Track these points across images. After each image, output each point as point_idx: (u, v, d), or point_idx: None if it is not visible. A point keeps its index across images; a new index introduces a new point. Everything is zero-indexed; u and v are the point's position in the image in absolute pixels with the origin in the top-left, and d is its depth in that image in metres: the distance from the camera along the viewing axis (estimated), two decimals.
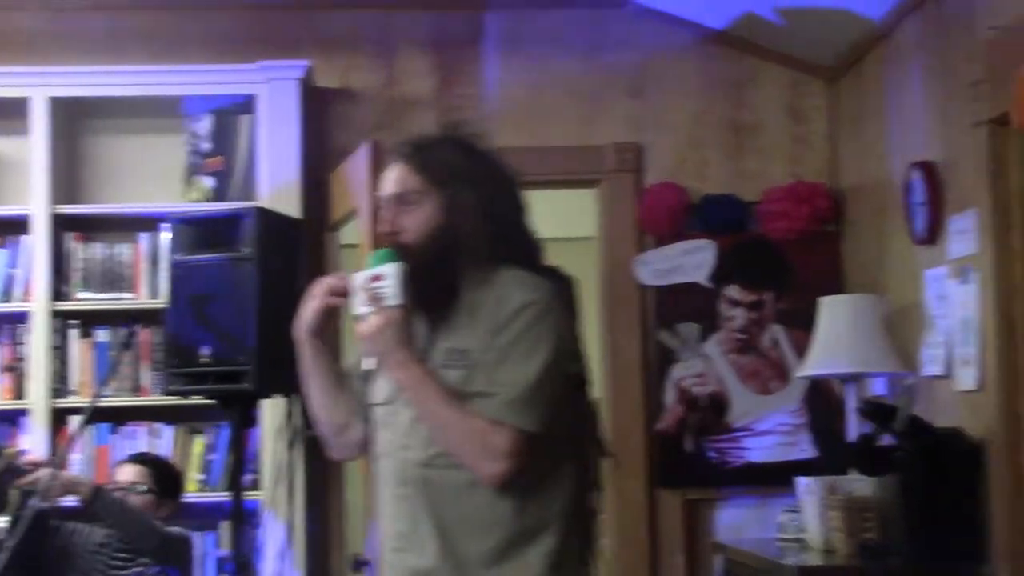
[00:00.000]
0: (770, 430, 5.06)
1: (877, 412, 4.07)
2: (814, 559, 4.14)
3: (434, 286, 2.60)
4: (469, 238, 2.59)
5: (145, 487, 4.38)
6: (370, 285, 2.57)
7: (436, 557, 2.57)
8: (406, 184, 2.62)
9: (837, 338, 4.42)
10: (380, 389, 2.69)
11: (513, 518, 2.54)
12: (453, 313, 2.60)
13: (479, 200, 2.61)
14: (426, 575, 2.58)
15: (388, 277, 2.56)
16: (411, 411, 2.61)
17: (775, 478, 4.89)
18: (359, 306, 2.59)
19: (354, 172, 4.63)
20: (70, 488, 4.17)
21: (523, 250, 2.66)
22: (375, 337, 2.57)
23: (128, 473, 4.44)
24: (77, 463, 4.81)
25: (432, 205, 2.61)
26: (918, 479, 3.86)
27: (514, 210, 2.68)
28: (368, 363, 2.71)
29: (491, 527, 2.55)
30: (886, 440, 4.02)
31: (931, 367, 4.21)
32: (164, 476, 4.48)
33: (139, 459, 4.52)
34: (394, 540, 2.64)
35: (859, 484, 4.12)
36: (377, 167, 4.41)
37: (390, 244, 2.61)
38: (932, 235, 4.23)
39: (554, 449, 2.58)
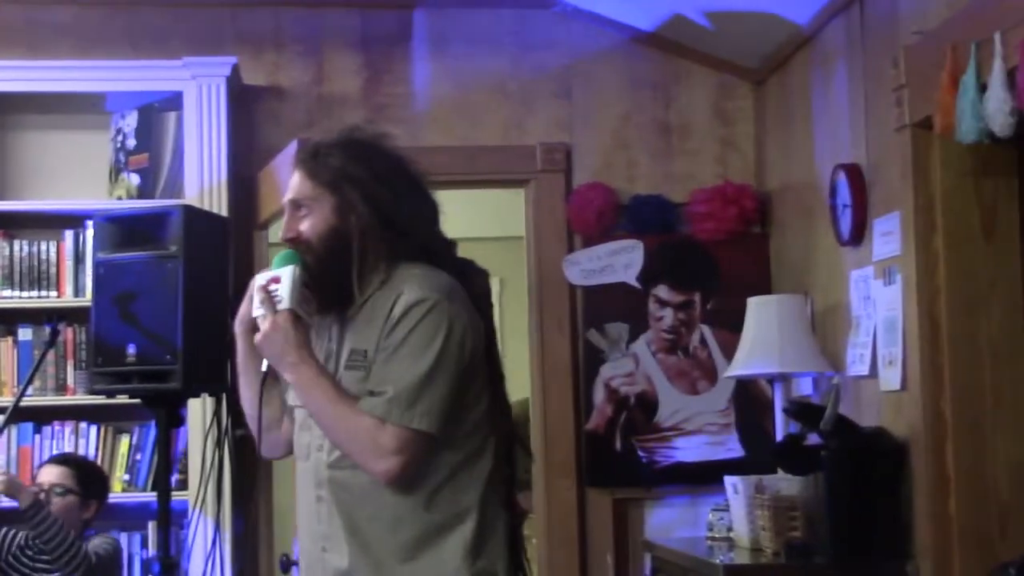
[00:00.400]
0: (698, 430, 5.09)
1: (803, 412, 4.11)
2: (741, 558, 4.17)
3: (329, 287, 2.65)
4: (361, 239, 2.64)
5: (63, 489, 4.32)
6: (267, 288, 2.65)
7: (352, 556, 2.61)
8: (300, 190, 2.70)
9: (764, 338, 4.45)
10: None
11: (422, 513, 2.58)
12: (357, 314, 2.66)
13: (370, 202, 2.65)
14: (346, 575, 2.62)
15: (283, 280, 2.63)
16: None
17: (704, 477, 4.93)
18: (255, 308, 2.66)
19: (283, 170, 4.60)
20: (13, 490, 4.12)
21: (426, 248, 2.69)
22: (265, 340, 2.64)
23: (51, 474, 4.38)
24: None
25: (324, 209, 2.66)
26: (843, 478, 3.90)
27: (414, 209, 2.70)
28: (264, 365, 2.72)
29: (400, 523, 2.59)
30: (812, 439, 4.05)
31: (856, 367, 4.26)
32: (88, 477, 4.42)
33: (62, 460, 4.47)
34: (320, 541, 2.68)
35: (786, 483, 4.16)
36: None
37: (290, 248, 2.68)
38: (857, 236, 4.28)
39: (461, 444, 2.61)
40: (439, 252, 2.71)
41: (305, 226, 2.67)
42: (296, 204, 2.70)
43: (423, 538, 2.59)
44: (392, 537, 2.59)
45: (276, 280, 2.65)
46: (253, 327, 2.72)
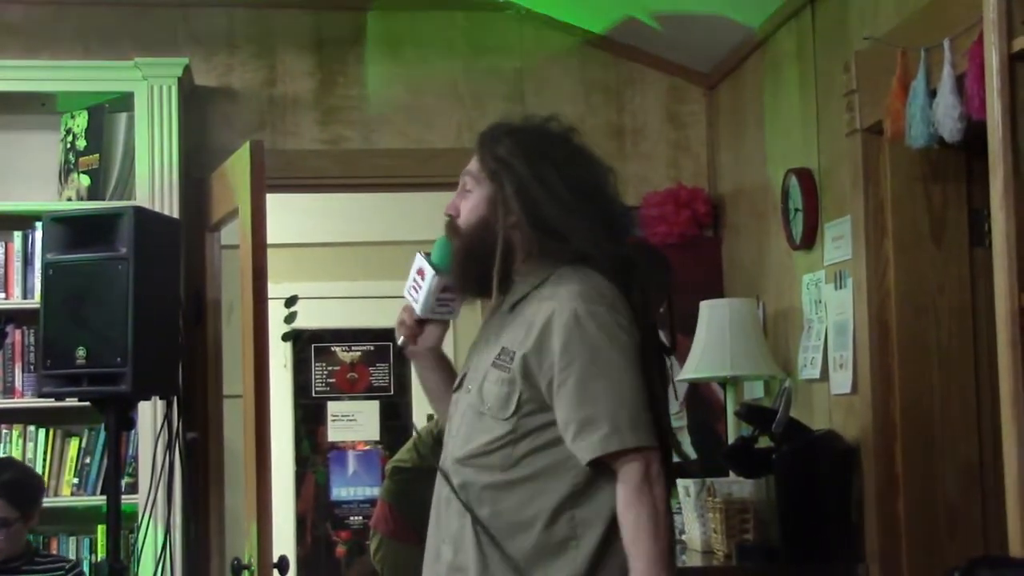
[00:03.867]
0: None
1: (755, 415, 4.13)
2: (693, 560, 4.18)
3: (469, 277, 2.62)
4: (505, 236, 2.58)
5: (5, 521, 4.15)
6: (414, 277, 2.69)
7: (463, 553, 2.57)
8: (469, 166, 2.68)
9: (716, 342, 4.46)
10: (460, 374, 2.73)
11: (541, 528, 2.49)
12: (515, 312, 2.59)
13: (522, 199, 2.57)
14: (459, 570, 2.57)
15: (424, 281, 2.66)
16: (469, 399, 2.61)
17: None
18: (405, 290, 2.72)
19: (235, 172, 4.58)
20: None
21: (583, 253, 2.56)
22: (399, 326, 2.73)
23: None
24: None
25: (481, 195, 2.63)
26: (794, 481, 3.92)
27: (572, 213, 2.57)
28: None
29: (516, 532, 2.51)
30: (764, 442, 4.07)
31: (808, 371, 4.28)
32: (19, 494, 4.18)
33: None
34: (441, 531, 2.63)
35: (737, 486, 4.18)
36: (258, 167, 4.37)
37: (446, 226, 2.68)
38: (809, 241, 4.30)
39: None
40: (597, 258, 2.56)
41: (463, 206, 2.65)
42: (463, 180, 2.67)
43: (541, 552, 2.49)
44: (510, 543, 2.50)
45: (421, 273, 2.67)
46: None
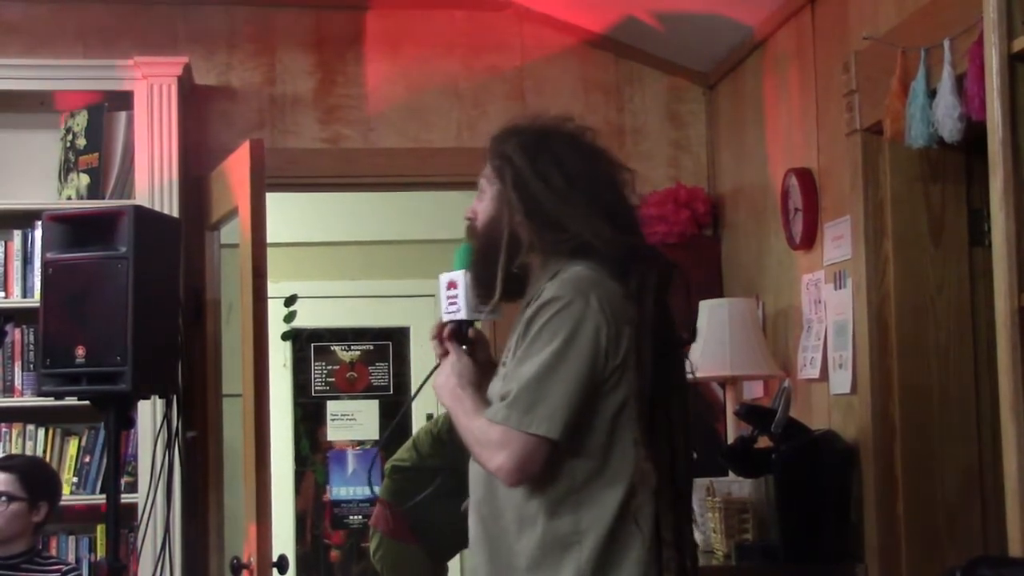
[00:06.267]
0: None
1: (754, 415, 4.12)
2: None
3: (486, 276, 2.61)
4: (510, 232, 2.59)
5: (6, 497, 4.19)
6: (447, 292, 2.64)
7: (481, 554, 2.60)
8: (483, 171, 2.69)
9: (716, 341, 4.46)
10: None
11: (545, 520, 2.49)
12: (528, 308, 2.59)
13: (522, 194, 2.59)
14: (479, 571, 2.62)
15: (459, 287, 2.62)
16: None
17: None
18: (442, 311, 2.67)
19: (234, 171, 4.58)
20: None
21: (585, 245, 2.56)
22: (440, 351, 2.66)
23: None
24: None
25: (491, 194, 2.65)
26: (794, 480, 3.92)
27: (572, 206, 2.58)
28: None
29: (523, 527, 2.51)
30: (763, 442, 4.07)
31: (807, 370, 4.28)
32: (33, 479, 4.29)
33: (3, 465, 4.35)
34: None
35: (736, 485, 4.18)
36: (258, 165, 4.37)
37: (466, 230, 2.69)
38: (808, 240, 4.30)
39: (593, 453, 2.50)
40: (598, 249, 2.56)
41: (479, 208, 2.67)
42: (480, 182, 2.69)
43: (545, 549, 2.49)
44: (516, 541, 2.51)
45: (452, 285, 2.64)
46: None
